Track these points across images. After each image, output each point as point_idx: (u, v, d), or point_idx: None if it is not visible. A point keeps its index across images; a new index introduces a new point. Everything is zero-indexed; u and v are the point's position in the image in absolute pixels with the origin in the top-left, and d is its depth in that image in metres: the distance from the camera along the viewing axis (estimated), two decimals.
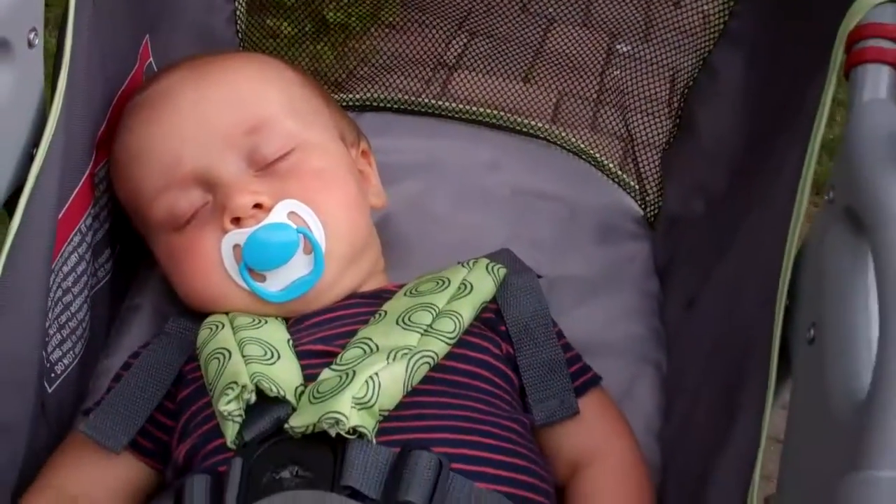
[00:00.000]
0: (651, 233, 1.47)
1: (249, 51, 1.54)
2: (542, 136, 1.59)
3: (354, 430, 0.92)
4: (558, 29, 1.62)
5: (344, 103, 1.55)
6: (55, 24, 1.00)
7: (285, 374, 0.98)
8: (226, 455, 0.96)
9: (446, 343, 1.02)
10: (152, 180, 1.11)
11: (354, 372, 0.96)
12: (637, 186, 1.52)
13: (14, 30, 0.90)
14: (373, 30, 1.97)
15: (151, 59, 1.28)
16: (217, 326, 1.06)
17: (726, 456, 0.93)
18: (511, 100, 1.68)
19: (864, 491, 0.63)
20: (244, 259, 1.06)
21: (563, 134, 1.60)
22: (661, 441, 1.19)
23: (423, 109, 1.62)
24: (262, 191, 1.08)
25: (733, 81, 1.24)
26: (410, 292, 1.10)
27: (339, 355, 1.01)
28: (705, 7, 1.31)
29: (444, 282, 1.10)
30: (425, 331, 1.02)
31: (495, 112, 1.63)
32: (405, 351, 0.99)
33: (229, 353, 1.00)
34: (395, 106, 1.62)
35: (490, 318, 1.11)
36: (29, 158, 0.95)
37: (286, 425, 0.94)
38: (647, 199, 1.49)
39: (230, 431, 0.96)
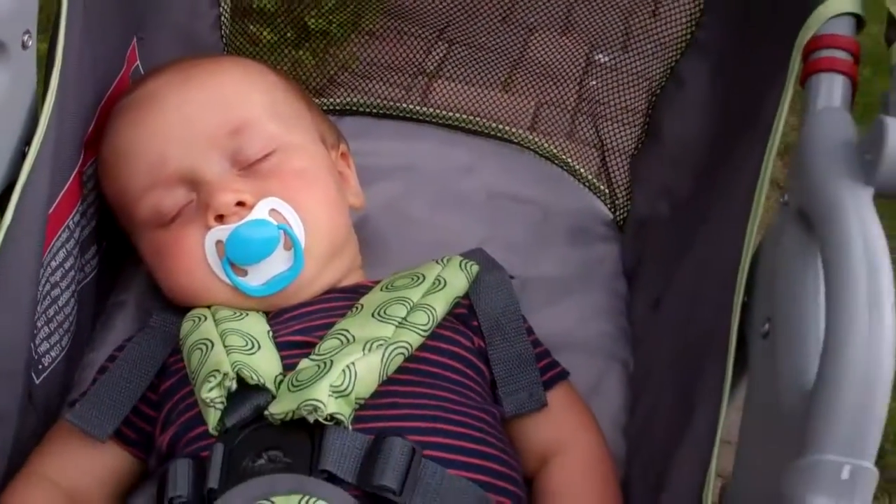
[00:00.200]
0: (620, 235, 1.49)
1: (233, 55, 1.55)
2: (516, 141, 1.62)
3: (331, 417, 0.95)
4: (538, 38, 1.64)
5: (325, 107, 1.57)
6: (47, 27, 1.01)
7: (265, 364, 1.01)
8: (208, 441, 0.98)
9: (420, 335, 1.05)
10: (138, 179, 1.13)
11: (332, 361, 0.98)
12: (607, 191, 1.54)
13: (9, 32, 0.93)
14: (353, 37, 1.97)
15: (138, 62, 1.30)
16: (200, 319, 1.08)
17: (685, 445, 0.95)
18: (490, 108, 1.69)
19: (809, 474, 0.66)
20: (227, 254, 1.09)
21: (537, 139, 1.62)
22: (626, 435, 1.22)
23: (401, 114, 1.64)
24: (245, 189, 1.10)
25: (698, 89, 1.27)
26: (386, 287, 1.13)
27: (317, 346, 1.03)
28: (680, 18, 1.33)
29: (418, 277, 1.13)
30: (400, 323, 1.05)
31: (471, 117, 1.64)
32: (380, 342, 1.01)
33: (211, 343, 1.03)
34: (374, 111, 1.64)
35: (462, 314, 1.14)
36: (21, 156, 0.98)
37: (266, 412, 0.97)
38: (617, 203, 1.52)
39: (212, 418, 0.98)
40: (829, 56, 0.88)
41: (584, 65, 1.64)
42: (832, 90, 0.87)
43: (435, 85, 1.83)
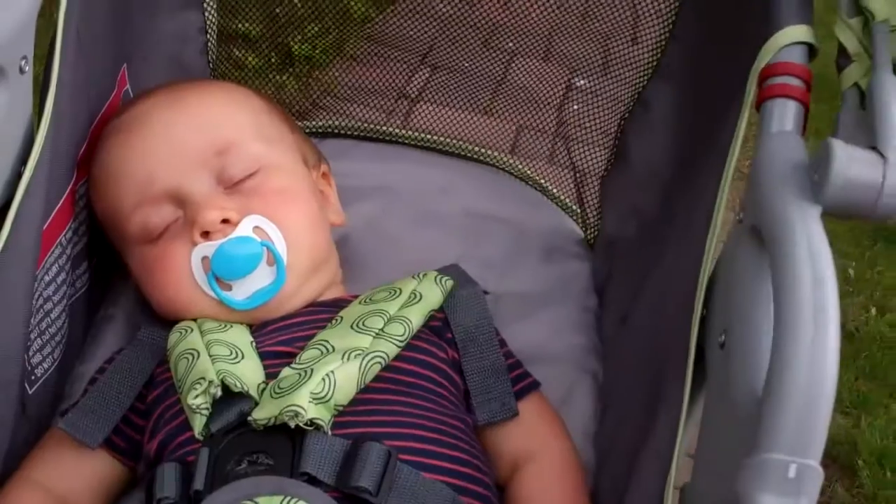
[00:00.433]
0: (591, 253, 1.53)
1: (220, 79, 1.58)
2: (492, 162, 1.65)
3: (312, 423, 0.98)
4: (519, 63, 1.67)
5: (307, 129, 1.59)
6: (42, 53, 1.04)
7: (249, 372, 1.04)
8: (193, 446, 1.01)
9: (396, 345, 1.08)
10: (128, 197, 1.16)
11: (312, 370, 1.02)
12: (579, 211, 1.58)
13: (8, 58, 0.96)
14: (337, 62, 1.99)
15: (128, 85, 1.32)
16: (186, 330, 1.11)
17: (648, 453, 0.99)
18: (472, 132, 1.71)
19: (758, 471, 0.70)
20: (212, 269, 1.12)
21: (511, 161, 1.64)
22: (595, 444, 1.25)
23: (380, 137, 1.66)
24: (230, 207, 1.13)
25: (664, 113, 1.30)
26: (365, 301, 1.16)
27: (298, 355, 1.06)
28: (649, 44, 1.36)
29: (395, 291, 1.17)
30: (377, 334, 1.08)
31: (447, 139, 1.67)
32: (358, 352, 1.05)
33: (197, 353, 1.06)
34: (355, 133, 1.66)
35: (437, 326, 1.17)
36: (17, 175, 1.00)
37: (249, 418, 1.00)
38: (588, 222, 1.55)
39: (198, 424, 1.02)
40: (782, 83, 0.91)
41: (564, 90, 1.66)
42: (785, 115, 0.90)
43: (417, 109, 1.84)
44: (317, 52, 2.24)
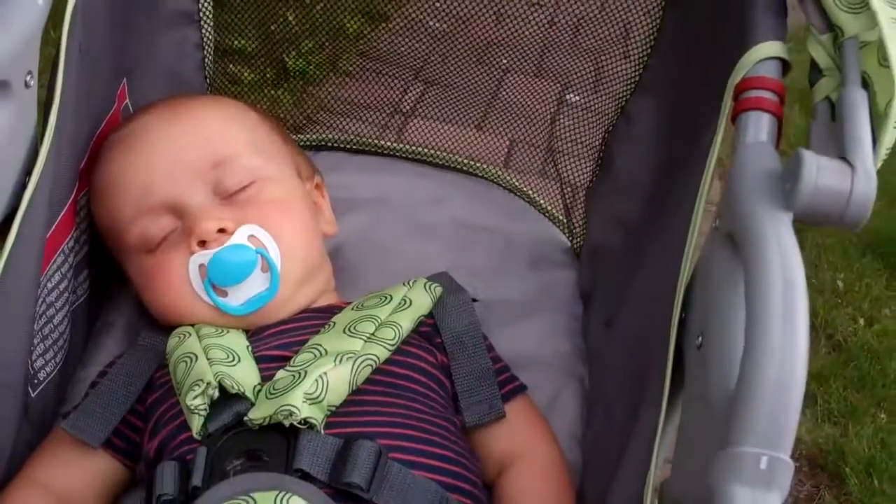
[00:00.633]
0: (576, 261, 1.56)
1: (216, 94, 1.60)
2: (481, 174, 1.67)
3: (305, 422, 1.01)
4: (512, 79, 1.68)
5: (301, 143, 1.62)
6: (46, 68, 1.06)
7: (245, 375, 1.07)
8: (192, 445, 1.04)
9: (387, 349, 1.11)
10: (127, 208, 1.19)
11: (306, 372, 1.05)
12: (565, 221, 1.61)
13: (14, 73, 0.97)
14: (331, 77, 2.00)
15: (128, 100, 1.34)
16: (185, 335, 1.14)
17: (630, 450, 1.01)
18: (465, 147, 1.73)
19: (730, 463, 0.71)
20: (209, 276, 1.14)
21: (500, 173, 1.67)
22: (581, 445, 1.27)
23: (372, 150, 1.69)
24: (226, 217, 1.16)
25: (645, 125, 1.33)
26: (357, 307, 1.19)
27: (293, 359, 1.09)
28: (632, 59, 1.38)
29: (386, 298, 1.20)
30: (368, 338, 1.11)
31: (438, 152, 1.69)
32: (350, 354, 1.08)
33: (196, 356, 1.09)
34: (348, 146, 1.68)
35: (427, 331, 1.20)
36: (22, 186, 1.02)
37: (245, 418, 1.03)
38: (574, 231, 1.58)
39: (196, 424, 1.04)
40: (756, 96, 0.94)
41: (556, 105, 1.67)
42: (759, 126, 0.92)
43: (411, 124, 1.85)
44: (311, 67, 2.24)
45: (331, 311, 1.21)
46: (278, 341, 1.15)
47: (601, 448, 1.20)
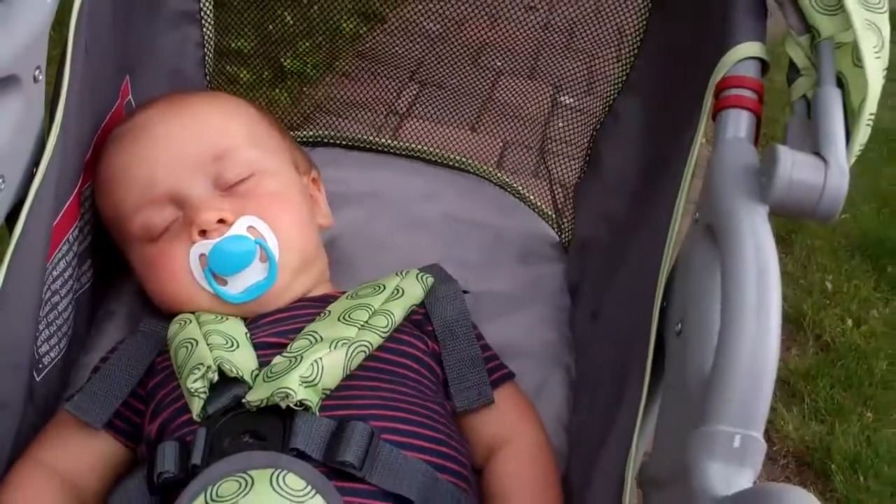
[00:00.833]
0: (565, 256, 1.59)
1: (216, 91, 1.63)
2: (472, 171, 1.70)
3: (301, 403, 1.04)
4: (506, 81, 1.70)
5: (298, 139, 1.65)
6: (53, 64, 1.09)
7: (243, 360, 1.10)
8: (192, 427, 1.07)
9: (380, 336, 1.15)
10: (131, 199, 1.22)
11: (302, 357, 1.08)
12: (554, 216, 1.64)
13: (23, 67, 1.01)
14: (328, 78, 1.99)
15: (130, 96, 1.37)
16: (185, 322, 1.17)
17: (613, 435, 1.04)
18: (459, 147, 1.76)
19: (706, 441, 0.75)
20: (209, 265, 1.18)
21: (490, 170, 1.70)
22: (568, 431, 1.31)
23: (367, 146, 1.72)
24: (226, 208, 1.19)
25: (632, 124, 1.36)
26: (351, 296, 1.22)
27: (289, 345, 1.12)
28: (619, 60, 1.41)
29: (380, 287, 1.23)
30: (362, 325, 1.15)
31: (431, 148, 1.72)
32: (344, 341, 1.11)
33: (196, 342, 1.12)
34: (344, 143, 1.71)
35: (419, 320, 1.24)
36: (30, 176, 1.05)
37: (244, 400, 1.06)
38: (562, 226, 1.61)
39: (196, 406, 1.08)
40: (737, 94, 0.97)
41: (549, 107, 1.69)
42: (739, 123, 0.95)
43: (406, 124, 1.87)
44: (308, 67, 2.25)
45: (326, 300, 1.24)
46: (275, 329, 1.18)
47: (586, 435, 1.23)
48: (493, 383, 1.23)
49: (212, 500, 0.97)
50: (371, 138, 1.73)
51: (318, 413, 1.06)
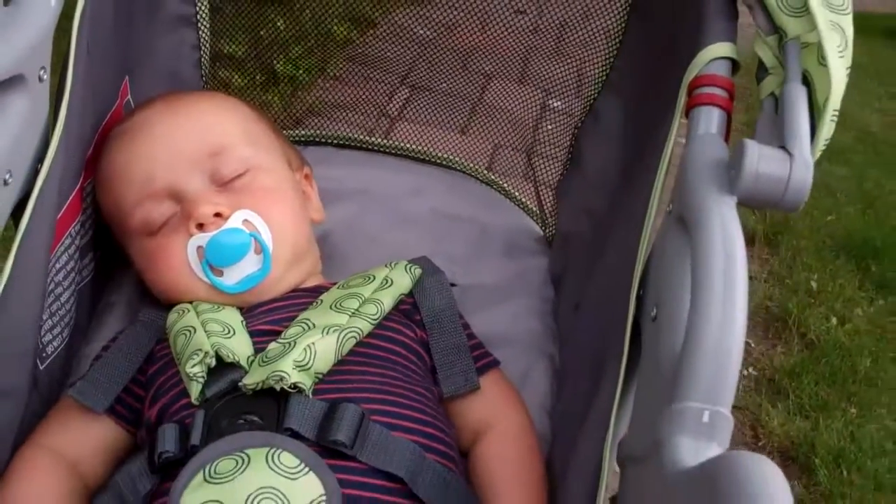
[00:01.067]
0: (548, 249, 1.63)
1: (212, 90, 1.66)
2: (459, 168, 1.74)
3: (295, 386, 1.08)
4: (496, 85, 1.72)
5: (291, 138, 1.68)
6: (57, 65, 1.13)
7: (240, 346, 1.15)
8: (190, 410, 1.11)
9: (370, 323, 1.19)
10: (131, 195, 1.25)
11: (295, 342, 1.12)
12: (538, 211, 1.68)
13: (29, 67, 1.05)
14: (320, 82, 2.00)
15: (129, 96, 1.41)
16: (184, 311, 1.22)
17: (592, 419, 1.07)
18: (449, 149, 1.78)
19: (676, 417, 0.78)
20: (206, 257, 1.22)
21: (478, 168, 1.74)
22: (551, 417, 1.35)
23: (358, 145, 1.75)
24: (222, 202, 1.23)
25: (612, 122, 1.40)
26: (342, 286, 1.27)
27: (283, 332, 1.16)
28: (599, 61, 1.44)
29: (370, 277, 1.27)
30: (353, 313, 1.19)
31: (420, 147, 1.75)
32: (336, 327, 1.15)
33: (194, 329, 1.16)
34: (335, 142, 1.75)
35: (407, 309, 1.28)
36: (35, 172, 1.10)
37: (240, 384, 1.10)
38: (546, 221, 1.66)
39: (194, 390, 1.12)
40: (708, 92, 1.00)
41: (538, 110, 1.71)
42: (710, 120, 0.99)
43: (397, 127, 1.87)
44: (300, 72, 2.26)
45: (318, 290, 1.28)
46: (270, 317, 1.22)
47: (568, 420, 1.26)
48: (479, 370, 1.27)
49: (210, 477, 1.01)
50: (362, 137, 1.76)
51: (311, 396, 1.10)
